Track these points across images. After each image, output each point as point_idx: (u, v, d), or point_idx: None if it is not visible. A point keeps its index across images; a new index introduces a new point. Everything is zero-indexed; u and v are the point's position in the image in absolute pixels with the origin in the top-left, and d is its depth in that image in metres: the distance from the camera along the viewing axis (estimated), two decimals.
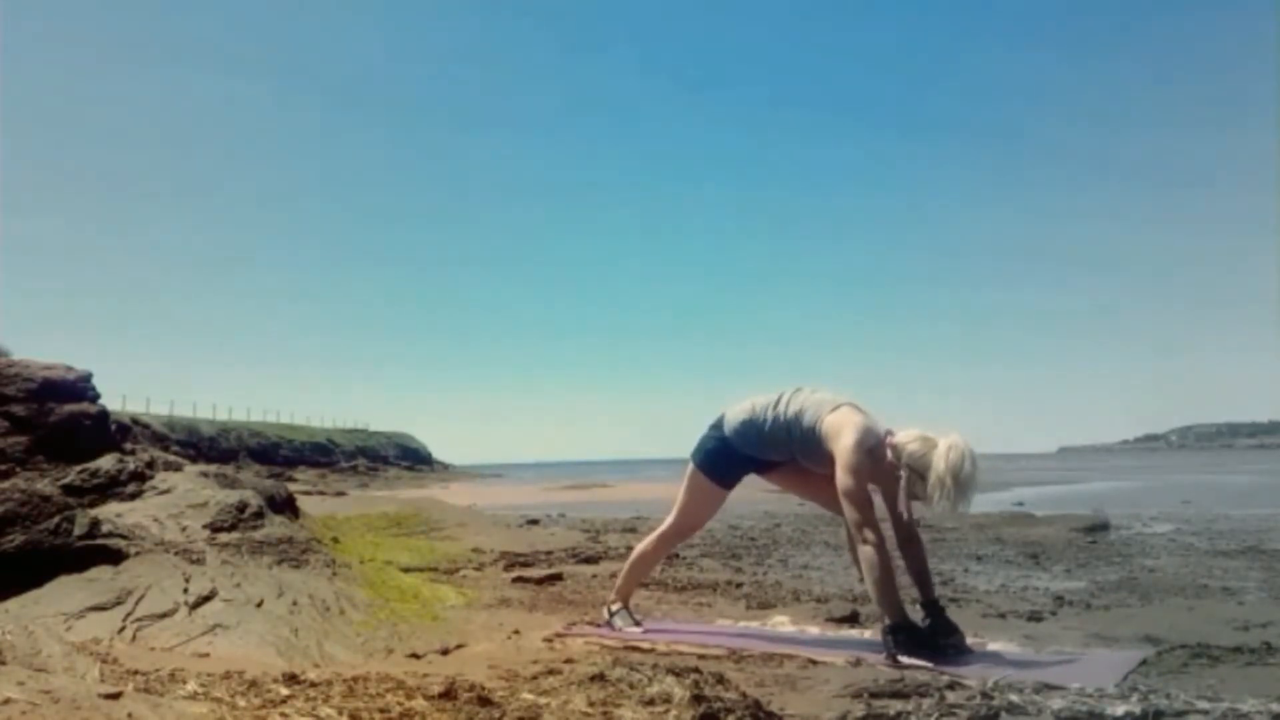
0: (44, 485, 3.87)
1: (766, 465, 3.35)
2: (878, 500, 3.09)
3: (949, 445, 2.90)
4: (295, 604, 3.34)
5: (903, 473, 2.96)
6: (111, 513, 4.00)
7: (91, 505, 4.04)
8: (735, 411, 3.32)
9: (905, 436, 2.99)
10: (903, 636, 2.81)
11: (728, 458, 3.33)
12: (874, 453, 3.00)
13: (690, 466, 3.43)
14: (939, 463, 2.88)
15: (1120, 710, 2.08)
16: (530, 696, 2.03)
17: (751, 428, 3.25)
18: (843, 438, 2.99)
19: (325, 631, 3.14)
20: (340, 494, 15.78)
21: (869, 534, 2.89)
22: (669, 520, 3.53)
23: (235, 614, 3.13)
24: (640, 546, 3.63)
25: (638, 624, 3.41)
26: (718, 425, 3.36)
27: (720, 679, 2.16)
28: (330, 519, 7.34)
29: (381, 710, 1.84)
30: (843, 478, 2.96)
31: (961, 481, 2.85)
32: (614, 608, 3.47)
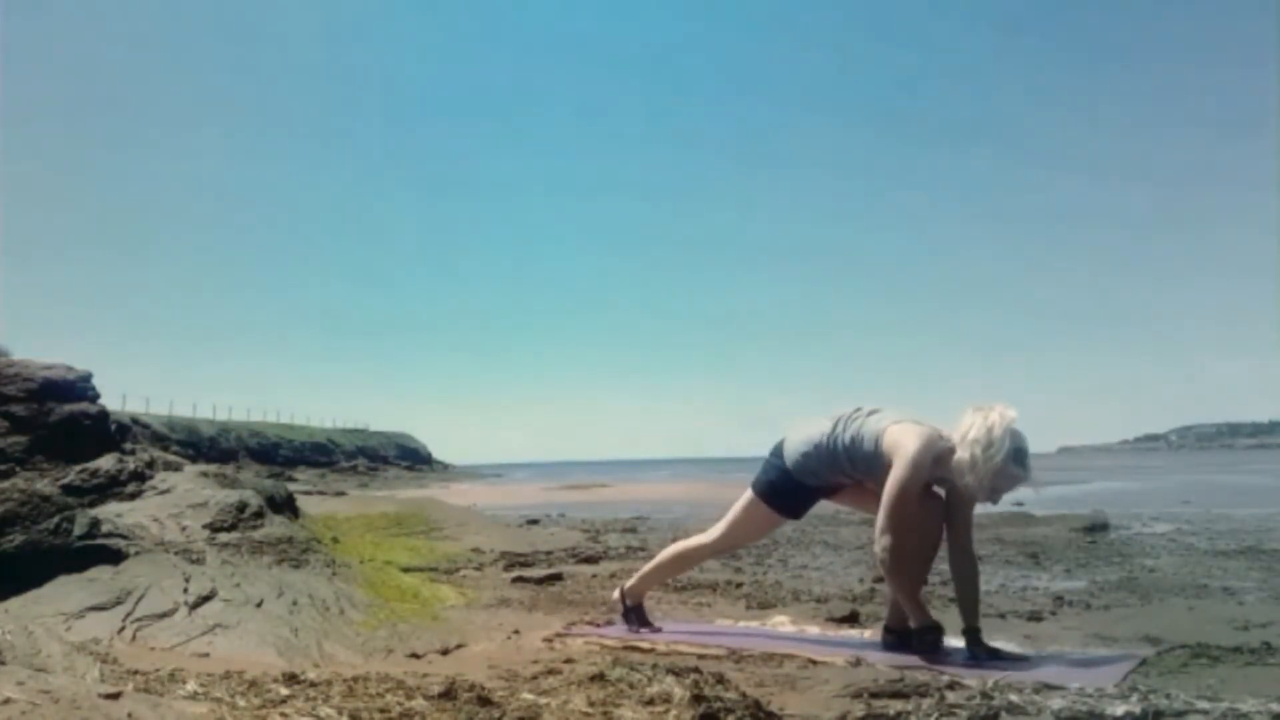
0: (44, 485, 3.87)
1: (833, 490, 3.22)
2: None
3: (988, 412, 2.83)
4: (295, 604, 3.34)
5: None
6: (111, 513, 3.99)
7: (91, 505, 4.04)
8: (795, 442, 3.17)
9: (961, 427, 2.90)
10: (920, 639, 2.87)
11: (792, 490, 3.19)
12: (941, 460, 2.89)
13: (750, 494, 3.29)
14: (972, 430, 2.81)
15: (1120, 710, 2.08)
16: (530, 696, 2.03)
17: (813, 459, 3.11)
18: (906, 445, 2.88)
19: (325, 631, 3.14)
20: (340, 494, 15.76)
21: (886, 536, 2.83)
22: (717, 535, 3.39)
23: (235, 614, 3.13)
24: (677, 548, 3.53)
25: (652, 625, 3.41)
26: (778, 454, 3.23)
27: (720, 679, 2.16)
28: (330, 519, 7.33)
29: (381, 710, 1.84)
30: (892, 476, 2.86)
31: (990, 447, 2.76)
32: (628, 602, 3.45)
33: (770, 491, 3.24)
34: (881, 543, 2.85)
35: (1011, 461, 2.80)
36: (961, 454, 2.83)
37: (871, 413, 3.09)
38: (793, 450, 3.17)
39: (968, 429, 2.85)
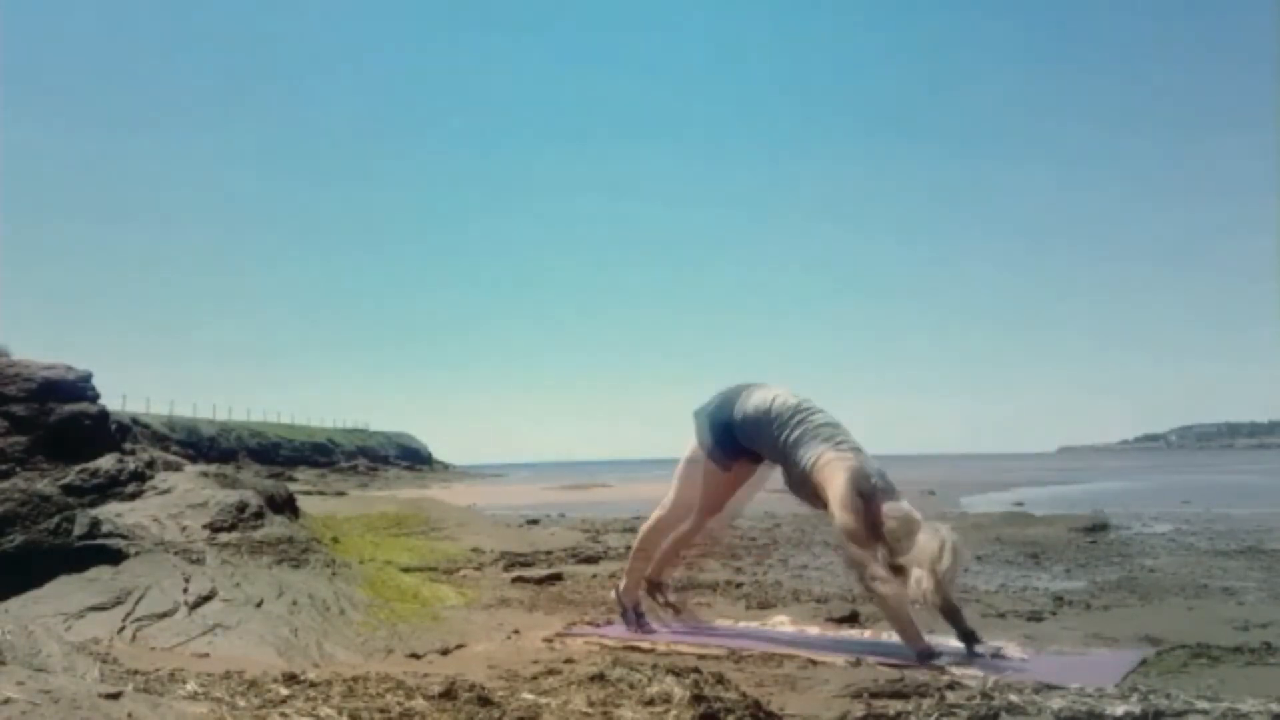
0: (44, 485, 3.87)
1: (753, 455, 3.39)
2: None
3: (930, 539, 2.84)
4: (295, 604, 3.34)
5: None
6: (111, 513, 3.99)
7: (91, 505, 4.04)
8: (754, 400, 3.30)
9: (890, 510, 2.96)
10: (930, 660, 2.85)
11: (729, 443, 3.36)
12: (864, 494, 2.99)
13: (691, 449, 3.47)
14: (919, 555, 2.83)
15: (1120, 710, 2.08)
16: (530, 696, 2.03)
17: (754, 426, 3.27)
18: (836, 478, 3.01)
19: (325, 631, 3.15)
20: (340, 494, 15.78)
21: (876, 572, 2.88)
22: (668, 502, 3.55)
23: (235, 614, 3.13)
24: (642, 530, 3.64)
25: (650, 626, 3.42)
26: (727, 405, 3.36)
27: (720, 679, 2.16)
28: (330, 519, 7.33)
29: (381, 710, 1.84)
30: (841, 516, 2.95)
31: (940, 576, 2.80)
32: (625, 603, 3.48)
33: (713, 443, 3.38)
34: (869, 574, 2.89)
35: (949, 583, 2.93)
36: (925, 578, 2.78)
37: (823, 425, 3.17)
38: (746, 407, 3.29)
39: (935, 554, 2.80)
